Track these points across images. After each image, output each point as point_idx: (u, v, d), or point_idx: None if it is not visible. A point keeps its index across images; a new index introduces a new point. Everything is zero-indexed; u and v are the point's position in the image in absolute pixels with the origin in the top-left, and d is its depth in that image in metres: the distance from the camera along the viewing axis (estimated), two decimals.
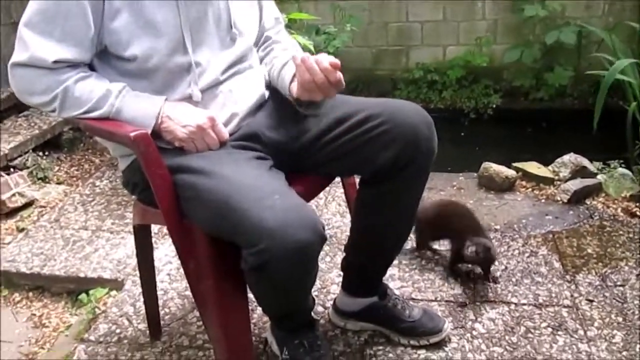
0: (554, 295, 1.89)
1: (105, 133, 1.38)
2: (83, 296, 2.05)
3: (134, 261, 2.06)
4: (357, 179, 1.61)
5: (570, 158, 2.66)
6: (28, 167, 2.94)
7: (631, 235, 2.20)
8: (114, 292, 2.06)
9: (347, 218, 2.15)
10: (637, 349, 1.66)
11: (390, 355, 1.67)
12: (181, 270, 1.69)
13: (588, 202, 2.45)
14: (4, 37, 3.18)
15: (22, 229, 2.47)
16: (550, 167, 2.67)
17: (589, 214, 2.36)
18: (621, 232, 2.23)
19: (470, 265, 1.97)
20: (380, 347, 1.69)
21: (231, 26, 1.44)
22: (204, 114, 1.36)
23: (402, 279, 2.00)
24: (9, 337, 1.96)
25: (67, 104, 1.34)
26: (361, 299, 1.70)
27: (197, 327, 1.83)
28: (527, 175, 2.64)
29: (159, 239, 2.27)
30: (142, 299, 1.81)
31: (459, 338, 1.72)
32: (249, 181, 1.24)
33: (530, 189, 2.58)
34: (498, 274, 1.99)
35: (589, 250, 2.12)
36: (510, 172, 2.60)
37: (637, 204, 2.41)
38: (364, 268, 1.66)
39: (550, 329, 1.74)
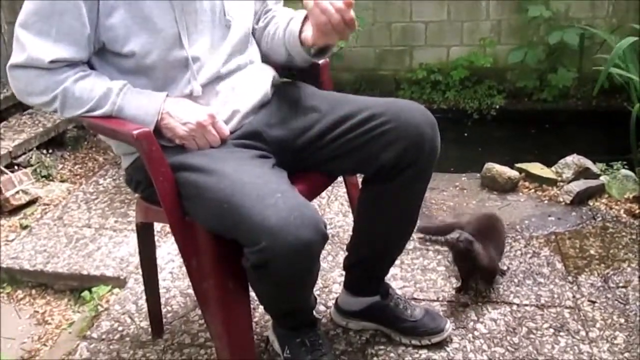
0: (556, 296, 1.89)
1: (109, 131, 1.39)
2: (86, 293, 2.05)
3: (136, 259, 2.06)
4: (359, 179, 1.61)
5: (573, 159, 2.65)
6: (32, 165, 2.95)
7: (634, 237, 2.20)
8: (116, 290, 2.07)
9: (350, 217, 2.15)
10: (639, 351, 1.65)
11: (392, 354, 1.67)
12: (183, 268, 1.70)
13: (591, 204, 2.44)
14: (9, 36, 3.19)
15: (26, 227, 2.48)
16: (553, 168, 2.66)
17: (592, 215, 2.36)
18: (624, 234, 2.22)
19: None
20: (382, 347, 1.69)
21: (224, 14, 1.43)
22: (205, 110, 1.36)
23: (404, 279, 2.00)
24: (12, 333, 1.96)
25: (68, 104, 1.34)
26: (363, 298, 1.70)
27: (199, 325, 1.83)
28: (530, 176, 2.63)
29: (161, 237, 2.27)
30: (144, 297, 1.82)
31: (461, 338, 1.72)
32: (251, 179, 1.24)
33: (533, 190, 2.57)
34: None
35: (592, 252, 2.12)
36: (513, 173, 2.60)
37: None
38: (366, 267, 1.65)
39: (552, 330, 1.74)
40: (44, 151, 3.10)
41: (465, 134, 3.99)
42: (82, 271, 2.15)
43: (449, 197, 2.55)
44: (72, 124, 3.27)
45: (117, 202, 2.64)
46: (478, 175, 2.67)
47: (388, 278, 1.96)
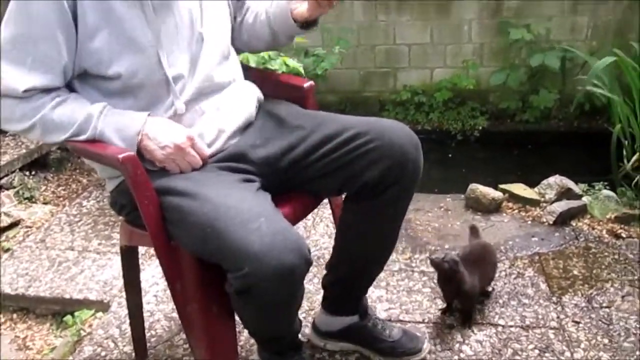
0: (540, 317, 1.89)
1: (94, 155, 1.38)
2: (68, 318, 2.02)
3: (120, 282, 2.04)
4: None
5: (555, 180, 2.68)
6: (14, 187, 2.92)
7: (616, 257, 2.22)
8: (99, 314, 2.04)
9: None
10: None
11: None
12: (168, 291, 1.68)
13: (573, 224, 2.46)
14: None
15: (7, 249, 2.44)
16: (536, 189, 2.69)
17: (575, 235, 2.38)
18: (606, 254, 2.24)
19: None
20: None
21: (200, 26, 1.43)
22: (183, 132, 1.35)
23: (389, 301, 2.00)
24: None
25: (49, 131, 1.34)
26: (341, 318, 1.70)
27: (183, 349, 1.81)
28: (513, 197, 2.65)
29: (145, 260, 2.25)
30: (128, 321, 1.79)
31: None
32: (235, 204, 1.24)
33: (516, 211, 2.59)
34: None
35: (575, 272, 2.13)
36: (497, 194, 2.62)
37: (622, 226, 2.43)
38: (345, 286, 1.65)
39: (537, 351, 1.74)
40: (27, 173, 3.07)
41: (449, 155, 4.02)
42: (65, 295, 2.12)
43: (434, 218, 2.56)
44: (55, 145, 3.25)
45: (100, 224, 2.62)
46: (462, 196, 2.69)
47: (373, 300, 1.97)
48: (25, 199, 2.89)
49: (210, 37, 1.45)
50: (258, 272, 1.15)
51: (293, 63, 2.57)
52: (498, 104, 4.26)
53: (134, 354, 1.78)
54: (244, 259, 1.15)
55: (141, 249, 1.99)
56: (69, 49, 1.31)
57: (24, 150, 3.10)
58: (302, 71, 2.62)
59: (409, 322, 1.89)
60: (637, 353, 1.73)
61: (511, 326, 1.85)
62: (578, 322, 1.86)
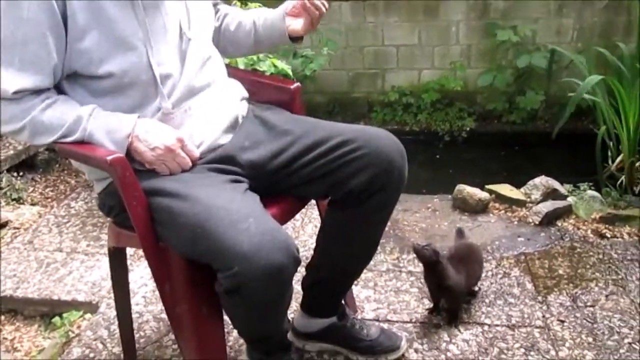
0: (526, 316, 1.91)
1: (82, 157, 1.38)
2: (56, 319, 2.02)
3: (108, 283, 2.04)
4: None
5: (541, 181, 2.70)
6: (2, 188, 2.90)
7: (601, 257, 2.25)
8: (88, 315, 2.04)
9: None
10: None
11: None
12: (157, 292, 1.68)
13: (559, 224, 2.49)
14: None
15: None
16: (522, 190, 2.71)
17: (560, 235, 2.41)
18: (591, 254, 2.27)
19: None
20: None
21: (188, 27, 1.44)
22: (173, 134, 1.36)
23: (377, 301, 2.01)
24: None
25: (38, 133, 1.33)
26: (320, 320, 1.71)
27: (172, 350, 1.81)
28: (500, 198, 2.68)
29: (134, 261, 2.25)
30: (116, 322, 1.79)
31: (434, 359, 1.73)
32: (224, 204, 1.24)
33: (503, 211, 2.62)
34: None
35: (560, 272, 2.16)
36: (484, 195, 2.64)
37: (607, 226, 2.46)
38: (325, 289, 1.67)
39: (522, 350, 1.76)
40: (15, 174, 3.06)
41: (437, 156, 4.04)
42: (53, 296, 2.11)
43: (421, 219, 2.58)
44: (43, 147, 3.24)
45: (89, 225, 2.62)
46: (449, 196, 2.71)
47: (361, 300, 1.98)
48: (13, 200, 2.87)
49: (196, 37, 1.46)
50: (247, 271, 1.16)
51: (281, 65, 2.58)
52: (485, 105, 4.29)
53: (122, 355, 1.78)
54: (233, 258, 1.16)
55: (129, 250, 2.00)
56: (59, 50, 1.31)
57: (12, 152, 3.08)
58: (290, 73, 2.63)
59: (397, 321, 1.90)
60: (621, 351, 1.75)
61: (497, 325, 1.87)
62: (563, 321, 1.89)
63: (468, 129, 4.20)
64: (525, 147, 4.03)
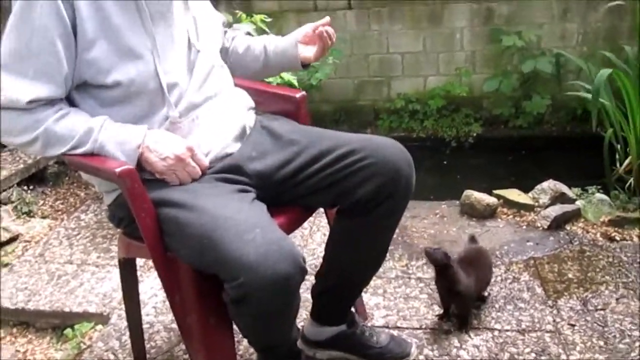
0: (536, 320, 1.91)
1: (91, 169, 1.39)
2: (68, 331, 2.03)
3: (119, 294, 2.04)
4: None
5: (549, 185, 2.70)
6: (13, 202, 2.92)
7: (610, 260, 2.23)
8: (99, 327, 2.05)
9: None
10: None
11: None
12: (167, 302, 1.69)
13: (568, 228, 2.48)
14: None
15: (7, 264, 2.45)
16: (530, 194, 2.71)
17: (569, 239, 2.40)
18: (601, 257, 2.26)
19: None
20: None
21: (197, 38, 1.46)
22: (183, 143, 1.37)
23: (387, 308, 2.01)
24: None
25: (50, 144, 1.34)
26: (330, 328, 1.70)
27: None
28: (508, 203, 2.67)
29: (144, 272, 2.26)
30: (127, 333, 1.80)
31: None
32: (231, 215, 1.25)
33: (511, 216, 2.61)
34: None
35: (570, 275, 2.15)
36: (492, 200, 2.63)
37: (616, 229, 2.45)
38: (334, 296, 1.67)
39: (533, 355, 1.75)
40: (25, 187, 3.08)
41: (444, 162, 4.04)
42: (65, 308, 2.12)
43: (430, 225, 2.58)
44: (53, 159, 3.26)
45: (99, 237, 2.63)
46: (457, 202, 2.71)
47: (371, 307, 1.98)
48: (23, 213, 2.89)
49: (204, 48, 1.48)
50: (253, 281, 1.16)
51: (287, 76, 2.60)
52: (491, 110, 4.29)
53: None
54: (240, 268, 1.17)
55: (139, 261, 2.01)
56: (69, 59, 1.32)
57: (22, 165, 3.11)
58: (296, 83, 2.64)
59: (407, 328, 1.90)
60: (632, 354, 1.74)
61: (507, 330, 1.86)
62: (573, 325, 1.88)
63: (475, 134, 4.20)
64: (532, 151, 4.02)
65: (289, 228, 1.47)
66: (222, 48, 1.67)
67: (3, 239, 2.60)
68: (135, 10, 1.35)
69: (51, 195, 3.16)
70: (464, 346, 1.80)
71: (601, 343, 1.79)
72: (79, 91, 1.39)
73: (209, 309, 1.35)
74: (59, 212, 2.97)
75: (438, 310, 1.97)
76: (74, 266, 2.40)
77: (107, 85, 1.35)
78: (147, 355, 1.81)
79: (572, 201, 2.62)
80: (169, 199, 1.33)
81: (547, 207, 2.59)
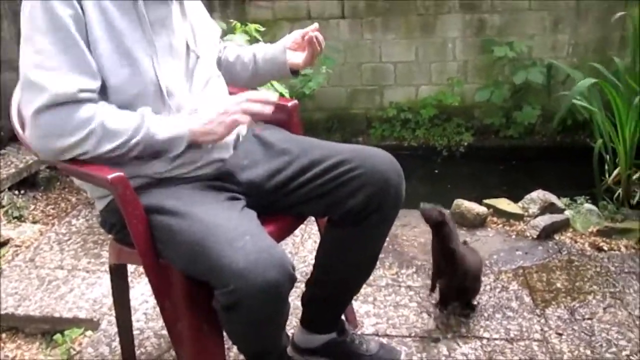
0: (524, 329, 1.92)
1: (84, 175, 1.39)
2: (58, 336, 2.02)
3: (109, 300, 2.04)
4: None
5: (538, 194, 2.72)
6: (3, 206, 2.92)
7: (598, 270, 2.26)
8: (89, 332, 2.05)
9: None
10: None
11: None
12: (157, 309, 1.69)
13: (556, 238, 2.50)
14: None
15: None
16: (519, 204, 2.73)
17: (558, 249, 2.42)
18: (589, 267, 2.28)
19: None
20: None
21: (195, 45, 1.47)
22: (220, 106, 1.38)
23: (377, 316, 2.02)
24: None
25: (105, 138, 1.31)
26: (320, 336, 1.71)
27: None
28: (497, 212, 2.69)
29: (135, 278, 2.26)
30: (117, 339, 1.80)
31: None
32: (222, 222, 1.26)
33: (501, 225, 2.63)
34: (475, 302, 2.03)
35: (558, 285, 2.17)
36: (482, 209, 2.65)
37: (604, 239, 2.47)
38: (324, 304, 1.68)
39: None
40: (16, 192, 3.07)
41: (435, 171, 4.06)
42: (54, 314, 2.12)
43: (420, 234, 2.59)
44: (44, 164, 3.25)
45: (90, 242, 2.63)
46: (448, 211, 2.71)
47: (361, 315, 1.99)
48: (14, 218, 2.89)
49: (202, 55, 1.49)
50: (243, 288, 1.17)
51: (278, 87, 2.62)
52: (483, 120, 4.32)
53: None
54: (230, 276, 1.17)
55: (130, 267, 2.01)
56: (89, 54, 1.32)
57: (13, 170, 3.10)
58: (287, 94, 2.66)
59: (396, 336, 1.91)
60: None
61: (496, 339, 1.88)
62: (561, 334, 1.89)
63: (466, 143, 4.23)
64: (523, 161, 4.05)
65: (280, 236, 1.48)
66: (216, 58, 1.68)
67: None
68: (136, 16, 1.36)
69: (42, 200, 3.15)
70: (452, 354, 1.81)
71: (588, 352, 1.81)
72: None
73: (200, 316, 1.36)
74: (50, 217, 2.96)
75: (427, 318, 1.98)
76: (64, 271, 2.40)
77: (109, 87, 1.34)
78: None
79: (561, 211, 2.65)
80: (161, 206, 1.33)
81: (536, 216, 2.61)
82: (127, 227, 1.33)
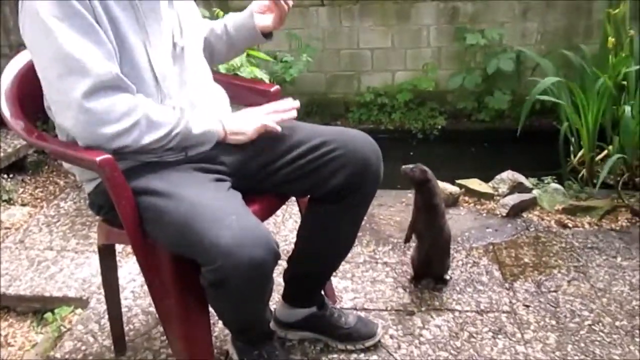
0: (494, 302, 1.96)
1: (72, 158, 1.39)
2: (48, 315, 2.02)
3: (98, 280, 2.04)
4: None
5: (508, 175, 2.76)
6: None
7: (563, 245, 2.30)
8: (79, 310, 2.04)
9: None
10: (569, 349, 1.74)
11: None
12: (145, 287, 1.70)
13: (524, 215, 2.55)
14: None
15: None
16: (490, 184, 2.77)
17: (526, 226, 2.46)
18: (554, 242, 2.33)
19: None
20: (335, 355, 1.73)
21: (181, 35, 1.45)
22: (257, 120, 1.44)
23: (355, 291, 2.04)
24: None
25: (150, 129, 1.30)
26: (301, 310, 1.73)
27: (160, 341, 1.83)
28: (469, 191, 2.73)
29: (122, 258, 2.26)
30: (106, 316, 1.80)
31: (408, 344, 1.77)
32: (208, 202, 1.26)
33: (472, 204, 2.67)
34: (447, 277, 2.07)
35: (526, 260, 2.21)
36: (455, 189, 2.68)
37: (569, 216, 2.52)
38: (305, 280, 1.70)
39: (491, 334, 1.81)
40: (5, 176, 3.03)
41: (411, 153, 4.08)
42: (45, 293, 2.11)
43: (396, 213, 2.62)
44: (32, 148, 3.21)
45: (78, 224, 2.61)
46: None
47: (340, 290, 2.01)
48: (3, 201, 2.85)
49: (188, 44, 1.47)
50: (229, 265, 1.18)
51: (260, 73, 2.62)
52: (456, 105, 4.34)
53: (113, 348, 1.79)
54: (216, 253, 1.18)
55: (118, 248, 2.00)
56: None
57: (2, 154, 3.06)
58: (267, 80, 2.66)
59: (373, 310, 1.94)
60: (581, 332, 1.81)
61: (467, 311, 1.91)
62: (528, 306, 1.94)
63: (439, 127, 4.25)
64: (493, 143, 4.08)
65: (264, 215, 1.49)
66: None
67: None
68: (130, 6, 1.35)
69: (31, 183, 3.12)
70: (426, 326, 1.85)
71: (553, 322, 1.85)
72: None
73: (186, 292, 1.37)
74: (39, 200, 2.94)
75: (403, 292, 2.01)
76: (53, 252, 2.38)
77: None
78: (126, 338, 1.82)
79: (529, 190, 2.69)
80: (148, 187, 1.33)
81: (505, 196, 2.65)
82: (115, 208, 1.33)
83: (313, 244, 1.62)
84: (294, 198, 1.77)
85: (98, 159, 1.28)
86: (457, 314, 1.90)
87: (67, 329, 1.95)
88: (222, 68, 2.40)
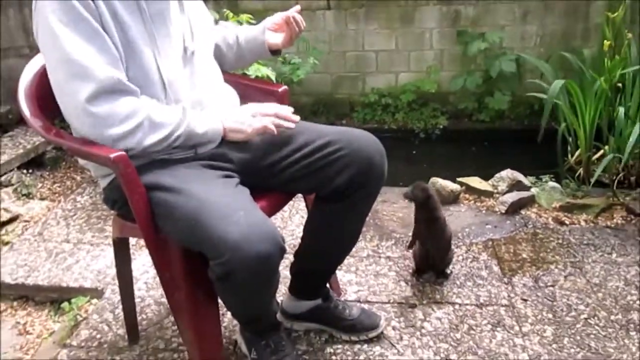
0: (493, 295, 1.95)
1: (87, 154, 1.38)
2: (65, 304, 2.02)
3: (113, 271, 2.05)
4: None
5: (507, 173, 2.74)
6: (13, 184, 2.89)
7: (560, 241, 2.29)
8: (94, 300, 2.05)
9: None
10: (565, 342, 1.72)
11: (348, 353, 1.70)
12: (157, 279, 1.69)
13: (523, 213, 2.53)
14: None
15: (7, 242, 2.43)
16: (490, 182, 2.75)
17: (524, 223, 2.44)
18: (552, 239, 2.31)
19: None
20: (339, 346, 1.72)
21: (192, 39, 1.45)
22: (258, 122, 1.42)
23: (359, 284, 2.04)
24: None
25: (153, 130, 1.30)
26: (306, 302, 1.73)
27: (172, 331, 1.83)
28: (469, 189, 2.71)
29: (136, 250, 2.26)
30: (120, 306, 1.81)
31: (410, 336, 1.76)
32: (217, 198, 1.25)
33: (472, 201, 2.65)
34: (448, 271, 2.06)
35: (524, 255, 2.19)
36: (455, 186, 2.67)
37: (566, 214, 2.50)
38: (311, 274, 1.69)
39: (490, 326, 1.80)
40: (24, 171, 3.04)
41: (413, 152, 4.07)
42: (62, 283, 2.11)
43: (399, 209, 2.61)
44: (50, 145, 3.22)
45: (94, 218, 2.61)
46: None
47: (344, 283, 2.00)
48: (23, 195, 2.86)
49: (198, 48, 1.47)
50: (237, 259, 1.17)
51: (266, 71, 2.61)
52: (457, 105, 4.32)
53: (127, 336, 1.79)
54: (224, 248, 1.18)
55: (132, 240, 2.00)
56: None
57: (21, 150, 3.07)
58: (274, 78, 2.65)
59: (376, 302, 1.93)
60: (577, 326, 1.79)
61: (467, 304, 1.90)
62: (526, 300, 1.92)
63: (441, 126, 4.22)
64: (493, 143, 4.06)
65: (271, 211, 1.48)
66: None
67: (4, 219, 2.57)
68: (137, 8, 1.34)
69: (49, 178, 3.13)
70: (427, 319, 1.84)
71: (550, 316, 1.84)
72: None
73: (196, 285, 1.36)
74: (57, 195, 2.94)
75: (405, 286, 2.00)
76: (70, 244, 2.39)
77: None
78: (139, 327, 1.82)
79: (528, 188, 2.67)
80: (160, 183, 1.33)
81: (504, 193, 2.63)
82: (128, 203, 1.32)
83: (319, 240, 1.61)
84: (300, 194, 1.76)
85: (112, 155, 1.27)
86: (457, 307, 1.89)
87: (83, 318, 1.95)
88: None
